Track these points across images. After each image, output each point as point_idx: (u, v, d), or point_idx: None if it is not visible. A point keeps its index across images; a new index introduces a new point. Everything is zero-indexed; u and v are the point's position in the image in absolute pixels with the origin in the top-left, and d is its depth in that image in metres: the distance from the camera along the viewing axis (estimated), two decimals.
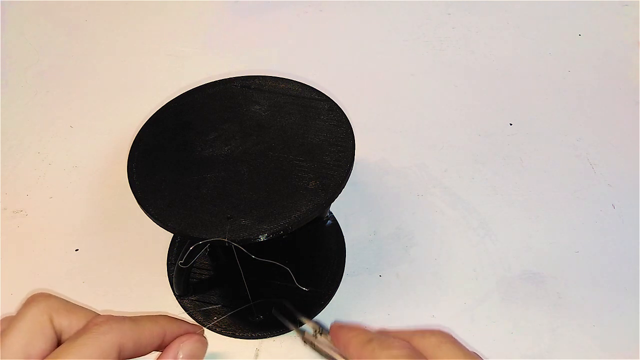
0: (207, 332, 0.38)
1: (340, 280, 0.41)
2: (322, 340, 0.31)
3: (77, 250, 0.44)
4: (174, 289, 0.40)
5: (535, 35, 0.65)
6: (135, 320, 0.26)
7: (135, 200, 0.32)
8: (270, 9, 0.69)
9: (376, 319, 0.39)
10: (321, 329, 0.31)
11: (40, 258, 0.43)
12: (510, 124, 0.53)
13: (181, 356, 0.26)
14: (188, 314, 0.39)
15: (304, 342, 0.31)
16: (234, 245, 0.30)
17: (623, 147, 0.51)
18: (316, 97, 0.38)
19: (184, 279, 0.39)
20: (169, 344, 0.27)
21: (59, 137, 0.54)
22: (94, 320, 0.25)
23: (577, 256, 0.42)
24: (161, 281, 0.41)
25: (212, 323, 0.38)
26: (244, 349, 0.37)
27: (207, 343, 0.28)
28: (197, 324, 0.30)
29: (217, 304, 0.39)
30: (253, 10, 0.69)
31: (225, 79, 0.40)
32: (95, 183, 0.49)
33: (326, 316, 0.39)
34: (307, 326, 0.32)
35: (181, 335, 0.27)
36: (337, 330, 0.28)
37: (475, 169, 0.49)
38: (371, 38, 0.65)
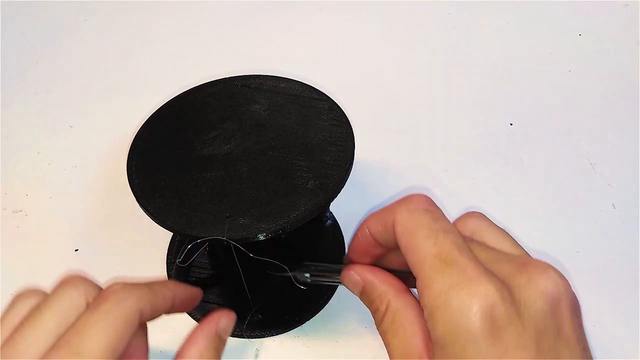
0: None
1: None
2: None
3: (76, 250, 0.44)
4: None
5: (535, 35, 0.64)
6: (148, 285, 0.26)
7: (135, 200, 0.32)
8: (270, 8, 0.69)
9: None
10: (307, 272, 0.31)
11: (39, 258, 0.43)
12: (511, 124, 0.53)
13: (220, 328, 0.27)
14: (187, 312, 0.39)
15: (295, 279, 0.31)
16: (233, 244, 0.30)
17: (623, 147, 0.51)
18: (316, 96, 0.38)
19: (183, 277, 0.39)
20: (205, 318, 0.27)
21: (59, 137, 0.54)
22: (110, 287, 0.25)
23: (577, 256, 0.42)
24: None
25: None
26: (244, 349, 0.37)
27: (235, 319, 0.28)
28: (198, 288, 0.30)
29: (216, 303, 0.39)
30: (253, 9, 0.69)
31: (226, 78, 0.40)
32: (95, 183, 0.49)
33: (326, 316, 0.39)
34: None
35: (187, 297, 0.28)
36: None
37: (475, 169, 0.49)
38: (371, 38, 0.65)
